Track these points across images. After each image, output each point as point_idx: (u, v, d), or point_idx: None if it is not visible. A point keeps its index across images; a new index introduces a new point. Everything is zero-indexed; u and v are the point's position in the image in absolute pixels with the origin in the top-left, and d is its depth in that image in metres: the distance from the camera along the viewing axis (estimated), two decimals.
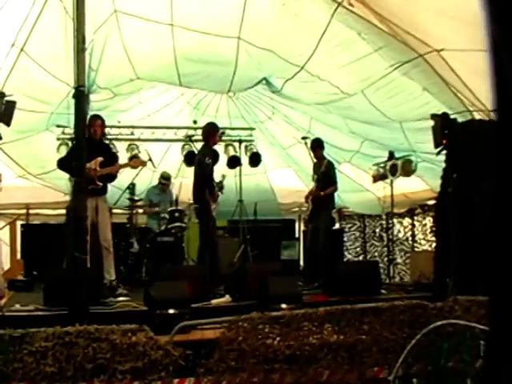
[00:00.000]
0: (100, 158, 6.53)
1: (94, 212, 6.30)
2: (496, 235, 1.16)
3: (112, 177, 6.76)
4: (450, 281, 5.96)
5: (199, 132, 10.39)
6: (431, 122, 6.64)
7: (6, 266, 9.03)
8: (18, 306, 5.44)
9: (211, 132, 7.61)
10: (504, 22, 1.08)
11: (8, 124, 6.01)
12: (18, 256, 9.80)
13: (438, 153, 6.76)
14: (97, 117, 6.82)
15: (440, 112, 6.59)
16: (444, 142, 6.57)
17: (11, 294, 6.90)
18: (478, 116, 6.57)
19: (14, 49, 6.45)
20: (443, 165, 6.77)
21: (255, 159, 10.51)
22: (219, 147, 10.23)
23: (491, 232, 1.16)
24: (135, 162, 7.39)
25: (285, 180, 11.98)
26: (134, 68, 7.31)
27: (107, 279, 6.39)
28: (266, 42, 6.98)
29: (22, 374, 3.95)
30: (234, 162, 10.06)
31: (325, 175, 7.91)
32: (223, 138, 10.02)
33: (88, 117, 6.60)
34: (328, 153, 8.55)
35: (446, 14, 5.35)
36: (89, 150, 5.85)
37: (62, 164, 6.70)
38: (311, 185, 8.31)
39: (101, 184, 6.54)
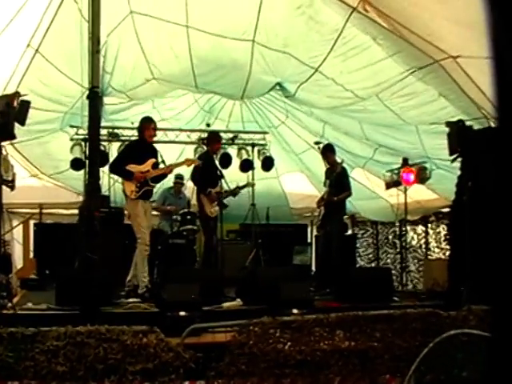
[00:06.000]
0: (153, 159, 6.59)
1: (146, 216, 6.50)
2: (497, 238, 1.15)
3: (163, 176, 6.88)
4: (465, 290, 5.89)
5: None
6: (447, 128, 6.58)
7: (19, 264, 9.09)
8: (30, 305, 5.47)
9: (212, 140, 7.97)
10: (506, 23, 1.07)
11: (22, 124, 6.04)
12: (31, 255, 9.85)
13: (453, 160, 6.70)
14: (150, 120, 6.75)
15: (456, 118, 6.54)
16: (459, 149, 6.51)
17: (23, 292, 6.95)
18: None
19: (29, 49, 6.50)
20: (458, 172, 6.71)
21: (268, 163, 10.47)
22: (232, 150, 10.26)
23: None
24: (188, 160, 7.26)
25: (297, 185, 11.94)
26: (150, 67, 7.33)
27: (145, 283, 6.34)
28: (281, 44, 6.97)
29: (33, 373, 3.95)
30: (246, 166, 10.04)
31: (338, 180, 7.85)
32: (236, 141, 10.06)
33: (140, 119, 6.78)
34: (341, 158, 8.50)
35: (462, 22, 5.30)
36: (142, 152, 6.43)
37: (113, 168, 6.77)
38: (323, 190, 8.25)
39: (154, 185, 6.65)
